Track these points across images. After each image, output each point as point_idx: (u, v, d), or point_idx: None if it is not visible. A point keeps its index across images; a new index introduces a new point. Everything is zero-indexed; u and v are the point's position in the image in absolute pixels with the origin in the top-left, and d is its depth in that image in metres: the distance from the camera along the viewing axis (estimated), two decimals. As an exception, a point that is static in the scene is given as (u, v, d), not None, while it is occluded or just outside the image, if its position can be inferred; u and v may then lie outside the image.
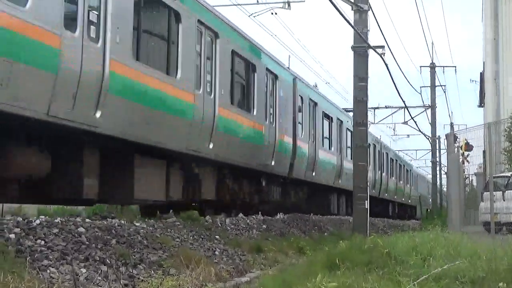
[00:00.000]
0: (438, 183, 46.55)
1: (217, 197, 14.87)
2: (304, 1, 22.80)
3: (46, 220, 7.98)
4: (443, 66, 44.30)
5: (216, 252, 10.54)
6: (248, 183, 16.83)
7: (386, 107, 42.57)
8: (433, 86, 41.95)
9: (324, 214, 23.18)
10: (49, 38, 8.44)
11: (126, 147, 10.85)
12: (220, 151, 13.80)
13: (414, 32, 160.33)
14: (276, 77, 17.70)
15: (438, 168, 45.52)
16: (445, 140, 21.30)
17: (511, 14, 30.74)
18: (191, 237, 10.73)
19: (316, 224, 19.57)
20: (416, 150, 65.16)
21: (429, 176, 63.31)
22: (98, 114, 9.53)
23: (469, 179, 24.99)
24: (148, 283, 7.38)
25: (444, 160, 42.82)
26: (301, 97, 20.12)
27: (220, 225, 12.92)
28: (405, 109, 36.61)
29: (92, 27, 9.47)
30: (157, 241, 9.33)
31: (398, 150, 51.95)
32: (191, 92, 12.48)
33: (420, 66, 44.39)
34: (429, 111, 41.26)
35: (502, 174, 20.70)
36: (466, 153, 21.07)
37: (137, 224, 9.82)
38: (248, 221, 14.72)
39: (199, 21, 12.83)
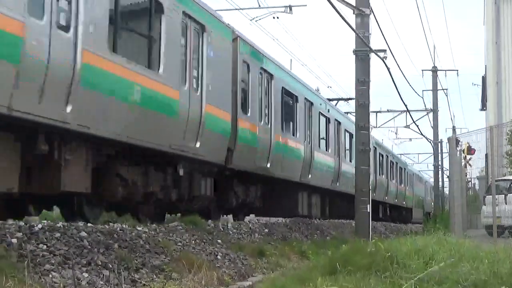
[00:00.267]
0: (440, 186, 46.40)
1: (95, 190, 10.29)
2: (306, 5, 22.86)
3: (48, 225, 7.98)
4: (445, 70, 44.05)
5: (218, 256, 10.52)
6: (159, 172, 12.30)
7: (388, 110, 42.47)
8: (435, 90, 41.86)
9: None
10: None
11: None
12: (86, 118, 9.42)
13: (416, 35, 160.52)
14: (203, 28, 13.07)
15: (440, 172, 45.43)
16: (447, 143, 21.23)
17: (512, 17, 30.83)
18: (193, 241, 10.71)
19: (318, 228, 19.59)
20: (418, 153, 65.26)
21: (427, 176, 63.46)
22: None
23: (471, 183, 24.94)
24: (150, 287, 7.38)
25: (446, 164, 42.71)
26: (247, 64, 15.76)
27: (222, 229, 12.91)
28: (407, 112, 36.50)
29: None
30: (159, 246, 9.30)
31: (400, 154, 51.90)
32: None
33: (422, 70, 44.35)
34: (431, 114, 41.18)
35: (504, 178, 20.72)
36: (468, 156, 21.09)
37: (139, 228, 9.80)
38: (250, 225, 14.75)
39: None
